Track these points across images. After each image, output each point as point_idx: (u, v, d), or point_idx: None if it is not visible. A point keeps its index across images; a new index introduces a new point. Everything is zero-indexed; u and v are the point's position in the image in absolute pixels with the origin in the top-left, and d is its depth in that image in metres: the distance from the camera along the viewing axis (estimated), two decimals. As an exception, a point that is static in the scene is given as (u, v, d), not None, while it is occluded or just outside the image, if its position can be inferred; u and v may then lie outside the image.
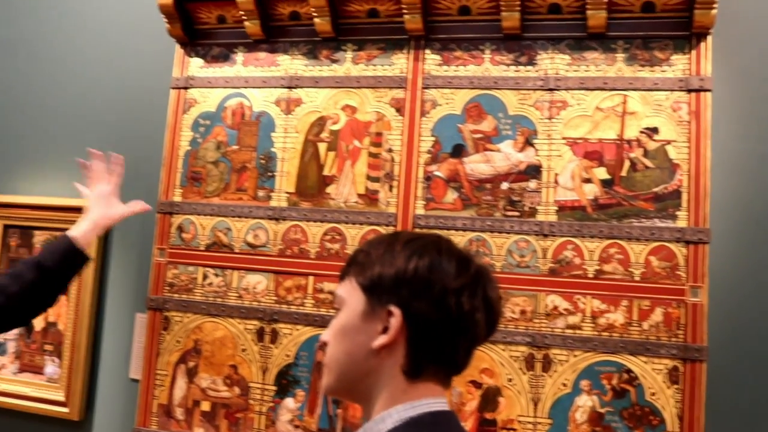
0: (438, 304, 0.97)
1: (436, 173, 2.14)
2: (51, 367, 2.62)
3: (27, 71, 2.86)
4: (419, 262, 0.99)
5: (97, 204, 1.85)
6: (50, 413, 2.58)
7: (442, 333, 0.97)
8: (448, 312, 0.97)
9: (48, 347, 2.62)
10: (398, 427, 0.95)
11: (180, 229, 2.33)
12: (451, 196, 2.12)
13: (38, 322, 2.61)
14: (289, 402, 2.18)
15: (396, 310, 0.97)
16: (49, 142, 2.77)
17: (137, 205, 1.93)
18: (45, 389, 2.60)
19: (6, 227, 2.74)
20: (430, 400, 0.98)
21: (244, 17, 2.30)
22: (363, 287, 1.01)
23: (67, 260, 1.74)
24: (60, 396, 2.57)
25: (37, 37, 2.86)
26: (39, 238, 2.69)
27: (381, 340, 0.97)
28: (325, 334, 1.06)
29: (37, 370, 2.64)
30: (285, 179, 2.25)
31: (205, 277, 2.29)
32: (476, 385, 2.02)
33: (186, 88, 2.39)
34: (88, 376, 2.57)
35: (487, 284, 1.02)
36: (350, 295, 1.03)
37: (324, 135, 2.25)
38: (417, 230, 2.09)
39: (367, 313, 1.00)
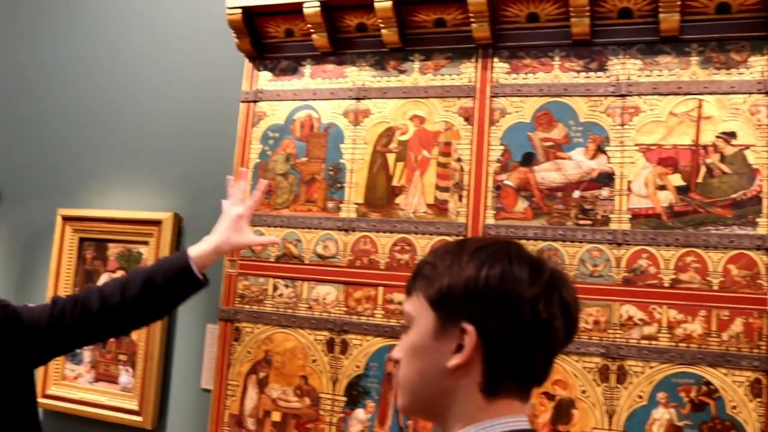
0: (513, 316, 0.94)
1: (506, 182, 2.20)
2: (125, 377, 2.76)
3: (100, 86, 3.04)
4: (490, 272, 0.95)
5: (225, 227, 1.80)
6: (125, 422, 2.72)
7: (520, 346, 0.95)
8: (524, 323, 0.94)
9: (122, 357, 2.77)
10: None
11: (251, 240, 2.44)
12: (522, 205, 2.18)
13: (113, 333, 2.76)
14: (360, 413, 2.26)
15: (469, 327, 0.94)
16: (122, 157, 2.94)
17: (267, 238, 1.89)
18: (119, 398, 2.75)
19: (81, 240, 2.91)
20: (510, 419, 0.96)
21: (311, 30, 2.41)
22: (431, 302, 0.98)
23: (178, 281, 1.71)
24: (134, 405, 2.72)
25: (109, 53, 3.04)
26: (113, 251, 2.85)
27: (455, 360, 0.95)
28: (397, 351, 1.04)
29: (112, 380, 2.79)
30: (354, 190, 2.35)
31: (275, 288, 2.40)
32: (549, 396, 2.07)
33: (255, 101, 2.51)
34: (160, 385, 2.71)
35: (563, 288, 0.99)
36: (418, 311, 1.00)
37: (392, 145, 2.33)
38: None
39: (438, 331, 0.97)
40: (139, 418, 2.70)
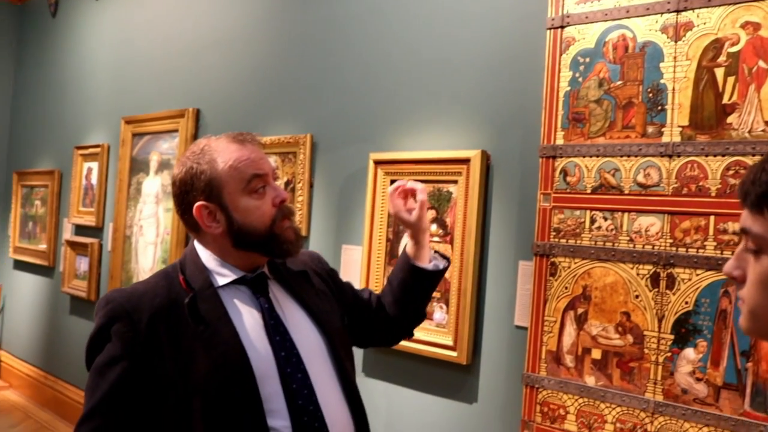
0: None
1: None
2: (439, 313, 2.99)
3: (398, 35, 3.27)
4: None
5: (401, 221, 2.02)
6: (440, 356, 2.95)
7: None
8: None
9: (436, 294, 3.00)
10: None
11: (564, 172, 2.49)
12: None
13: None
14: (689, 353, 2.22)
15: None
16: (426, 99, 3.14)
17: (419, 197, 2.01)
18: (435, 334, 2.99)
19: (392, 182, 3.17)
20: None
21: (622, -58, 2.35)
22: None
23: (409, 280, 1.97)
24: (449, 340, 2.93)
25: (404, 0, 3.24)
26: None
27: None
28: (734, 267, 0.98)
29: (427, 316, 3.03)
30: (677, 112, 2.27)
31: (592, 220, 2.42)
32: None
33: (562, 27, 2.52)
34: (473, 322, 2.89)
35: None
36: None
37: (721, 59, 2.21)
38: None
39: None
40: (454, 354, 2.91)
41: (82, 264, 5.57)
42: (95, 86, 5.72)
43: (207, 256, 1.66)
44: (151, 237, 4.83)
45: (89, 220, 5.55)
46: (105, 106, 5.56)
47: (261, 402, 1.52)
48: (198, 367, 1.51)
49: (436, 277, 2.00)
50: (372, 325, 2.01)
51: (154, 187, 4.84)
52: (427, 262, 1.98)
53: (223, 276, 1.64)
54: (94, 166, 5.54)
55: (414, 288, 1.99)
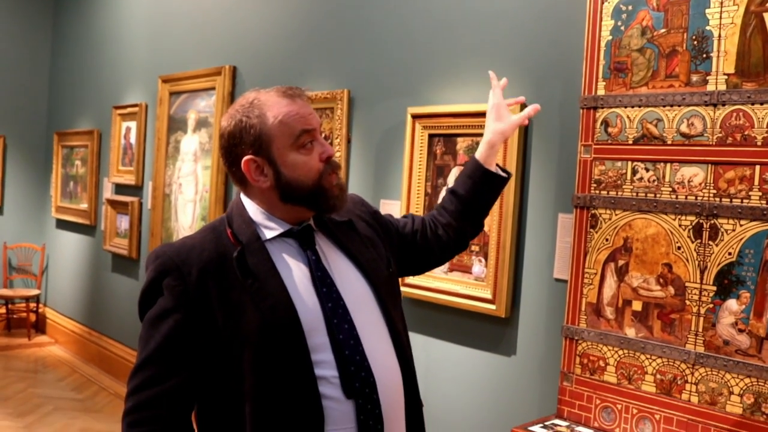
0: None
1: None
2: (478, 267, 3.01)
3: (439, -16, 3.24)
4: None
5: (489, 120, 2.09)
6: (479, 309, 2.98)
7: None
8: None
9: (474, 248, 3.01)
10: None
11: (605, 123, 2.46)
12: None
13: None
14: (732, 304, 2.21)
15: None
16: (464, 50, 3.11)
17: (529, 110, 2.13)
18: (473, 287, 3.01)
19: (431, 136, 3.18)
20: None
21: None
22: None
23: (478, 184, 2.01)
24: (487, 294, 2.96)
25: (446, -52, 3.20)
26: (461, 145, 3.07)
27: None
28: None
29: (466, 270, 3.06)
30: (723, 59, 2.23)
31: (634, 171, 2.40)
32: None
33: (604, -26, 2.48)
34: (512, 275, 2.90)
35: None
36: None
37: (770, 4, 2.16)
38: None
39: None
40: (492, 307, 2.93)
41: (123, 222, 5.67)
42: (132, 45, 5.77)
43: (254, 210, 1.68)
44: (190, 195, 4.90)
45: (129, 179, 5.64)
46: (142, 65, 5.61)
47: (309, 353, 1.55)
48: (247, 320, 1.54)
49: (502, 184, 2.07)
50: (422, 250, 2.03)
51: (193, 145, 4.90)
52: (494, 168, 2.05)
53: (271, 229, 1.66)
54: (133, 125, 5.62)
55: (482, 193, 2.03)
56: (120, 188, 5.85)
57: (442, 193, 3.08)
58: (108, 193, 5.99)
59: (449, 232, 2.03)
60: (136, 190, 5.60)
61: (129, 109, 5.65)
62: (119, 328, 5.81)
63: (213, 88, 4.64)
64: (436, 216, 2.06)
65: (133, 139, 5.60)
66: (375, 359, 1.62)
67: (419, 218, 2.07)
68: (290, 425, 1.54)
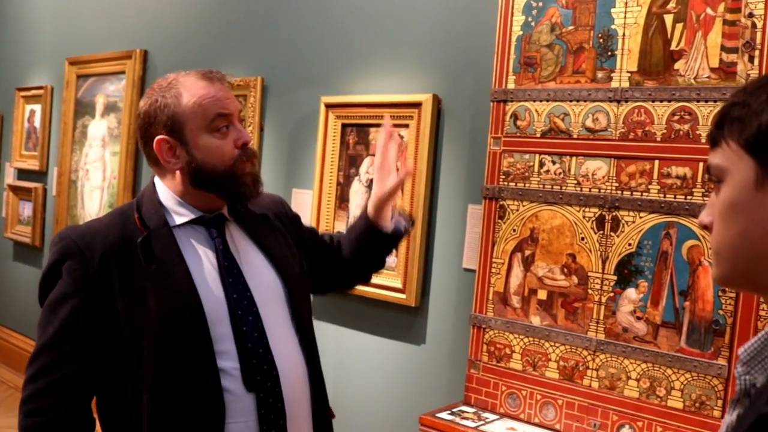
0: None
1: (809, 38, 2.03)
2: (389, 257, 3.01)
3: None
4: None
5: (375, 178, 1.91)
6: (389, 299, 2.98)
7: None
8: None
9: (386, 238, 3.01)
10: None
11: (515, 116, 2.50)
12: (829, 62, 2.00)
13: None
14: (631, 293, 2.28)
15: None
16: (378, 42, 3.10)
17: (402, 172, 1.91)
18: (384, 277, 3.01)
19: (344, 126, 3.16)
20: None
21: None
22: (748, 147, 0.86)
23: (372, 242, 1.92)
24: (398, 283, 2.96)
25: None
26: (374, 135, 3.06)
27: None
28: (706, 215, 0.94)
29: (378, 259, 3.05)
30: (627, 58, 2.29)
31: (542, 164, 2.45)
32: None
33: (516, -30, 2.51)
34: (423, 265, 2.91)
35: None
36: (731, 162, 0.88)
37: (671, 6, 2.23)
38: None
39: (760, 180, 0.85)
40: (403, 296, 2.94)
41: (26, 209, 5.43)
42: (37, 25, 5.51)
43: (166, 194, 1.63)
44: (97, 181, 4.73)
45: (32, 165, 5.39)
46: (48, 46, 5.37)
47: (211, 342, 1.52)
48: (149, 306, 1.50)
49: (396, 239, 1.95)
50: (333, 270, 1.99)
51: (101, 130, 4.72)
52: (389, 221, 1.91)
53: (180, 215, 1.61)
54: (37, 108, 5.37)
55: (372, 247, 1.94)
56: (23, 174, 5.59)
57: (354, 185, 3.07)
58: (9, 178, 5.72)
59: (350, 265, 2.00)
60: (40, 175, 5.36)
61: (33, 92, 5.40)
62: (21, 320, 5.55)
63: (123, 72, 4.48)
64: (343, 244, 2.01)
65: (37, 123, 5.36)
66: (279, 352, 1.59)
67: (334, 237, 2.03)
68: (189, 416, 1.50)
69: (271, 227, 1.77)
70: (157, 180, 1.66)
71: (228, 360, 1.54)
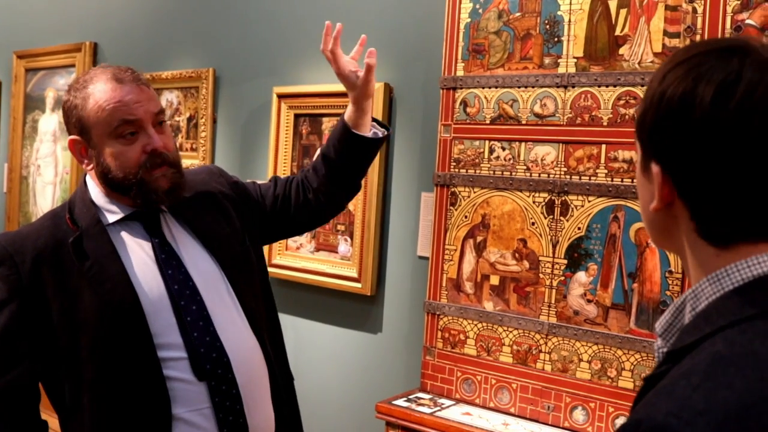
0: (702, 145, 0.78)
1: (748, 21, 2.05)
2: (344, 246, 2.99)
3: (304, -37, 3.17)
4: (676, 90, 0.79)
5: (345, 86, 1.93)
6: (345, 288, 2.96)
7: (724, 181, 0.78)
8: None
9: (340, 227, 2.99)
10: (714, 302, 0.80)
11: (464, 103, 2.49)
12: None
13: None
14: (581, 276, 2.29)
15: (654, 168, 0.82)
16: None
17: (366, 63, 1.93)
18: (339, 266, 2.99)
19: (297, 116, 3.13)
20: (750, 262, 0.79)
21: None
22: (636, 134, 0.87)
23: (349, 149, 1.84)
24: (353, 272, 2.94)
25: (311, -73, 3.14)
26: (327, 125, 3.03)
27: (653, 203, 0.84)
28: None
29: (332, 249, 3.03)
30: (573, 44, 2.30)
31: (491, 150, 2.45)
32: None
33: (463, -42, 2.50)
34: (377, 253, 2.90)
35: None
36: (636, 147, 0.89)
37: (614, -9, 2.24)
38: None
39: (642, 166, 0.87)
40: (358, 285, 2.92)
41: (-24, 207, 5.29)
42: (-16, 19, 5.36)
43: (96, 193, 1.60)
44: (49, 177, 4.62)
45: (-19, 161, 5.26)
46: (-5, 40, 5.22)
47: (150, 336, 1.50)
48: (85, 306, 1.48)
49: (376, 145, 1.89)
50: (294, 212, 1.89)
51: (51, 124, 4.61)
52: (368, 130, 1.86)
53: (113, 213, 1.58)
54: (-15, 103, 5.23)
55: (353, 158, 1.87)
56: (-28, 170, 5.44)
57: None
58: (-41, 175, 5.57)
59: (321, 197, 1.89)
60: (-10, 172, 5.23)
61: (-19, 87, 5.26)
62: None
63: (73, 66, 4.37)
64: (307, 178, 1.91)
65: (-14, 119, 5.22)
66: (228, 339, 1.57)
67: (283, 180, 1.94)
68: (133, 410, 1.48)
69: (209, 206, 1.72)
70: (88, 178, 1.63)
71: (174, 351, 1.52)
